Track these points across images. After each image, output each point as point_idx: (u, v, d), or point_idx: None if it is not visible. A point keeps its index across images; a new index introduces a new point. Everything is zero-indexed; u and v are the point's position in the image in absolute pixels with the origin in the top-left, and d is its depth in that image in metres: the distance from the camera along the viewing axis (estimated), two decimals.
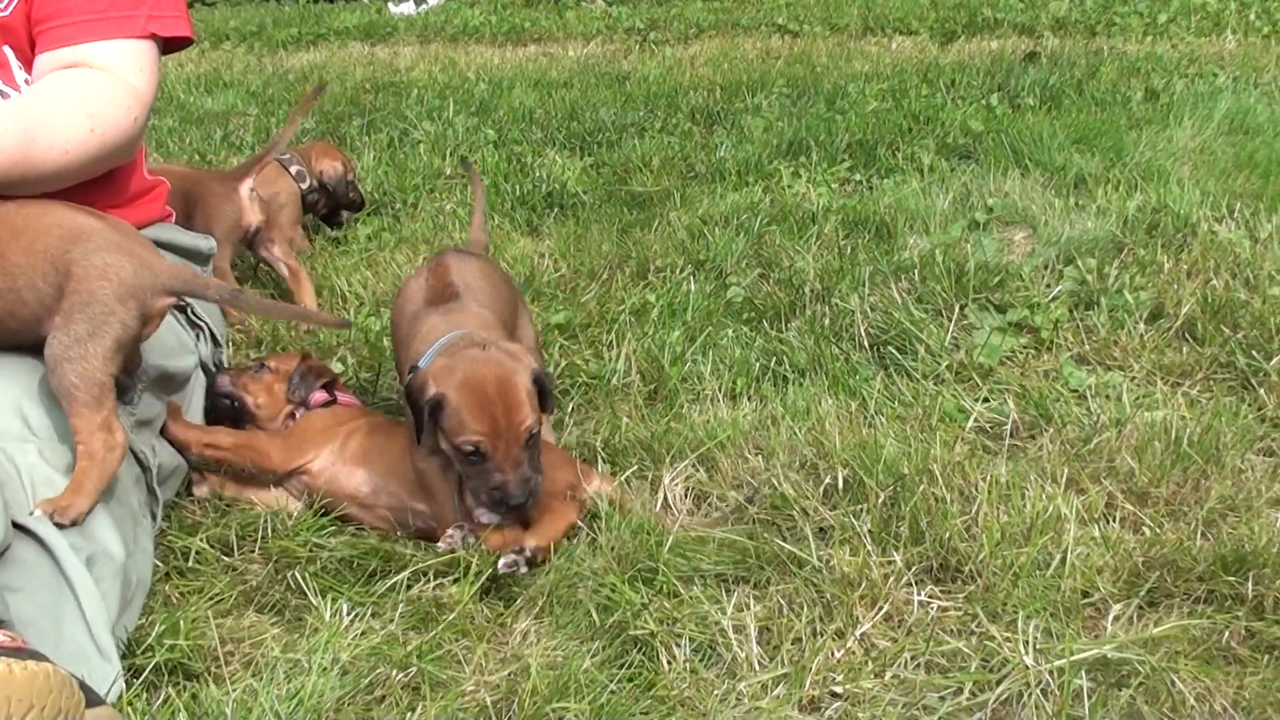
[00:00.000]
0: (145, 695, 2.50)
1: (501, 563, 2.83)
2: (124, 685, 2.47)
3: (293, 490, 3.28)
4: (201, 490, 3.28)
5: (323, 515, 3.18)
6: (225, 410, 3.53)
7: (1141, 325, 3.95)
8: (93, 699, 2.10)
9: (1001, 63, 8.58)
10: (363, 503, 3.20)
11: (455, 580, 2.88)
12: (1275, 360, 3.62)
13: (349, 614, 2.76)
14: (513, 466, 2.85)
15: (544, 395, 2.97)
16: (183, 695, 2.49)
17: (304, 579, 2.90)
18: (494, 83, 9.08)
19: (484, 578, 2.83)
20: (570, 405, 3.73)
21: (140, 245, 2.88)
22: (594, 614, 2.72)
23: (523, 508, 2.92)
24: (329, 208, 5.64)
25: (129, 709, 2.41)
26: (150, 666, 2.57)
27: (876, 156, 6.32)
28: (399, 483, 3.18)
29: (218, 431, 3.29)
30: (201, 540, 3.08)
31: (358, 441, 3.28)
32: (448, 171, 6.65)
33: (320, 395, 3.50)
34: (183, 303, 3.37)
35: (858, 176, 6.12)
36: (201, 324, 3.46)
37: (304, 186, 5.45)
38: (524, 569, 2.85)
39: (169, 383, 3.21)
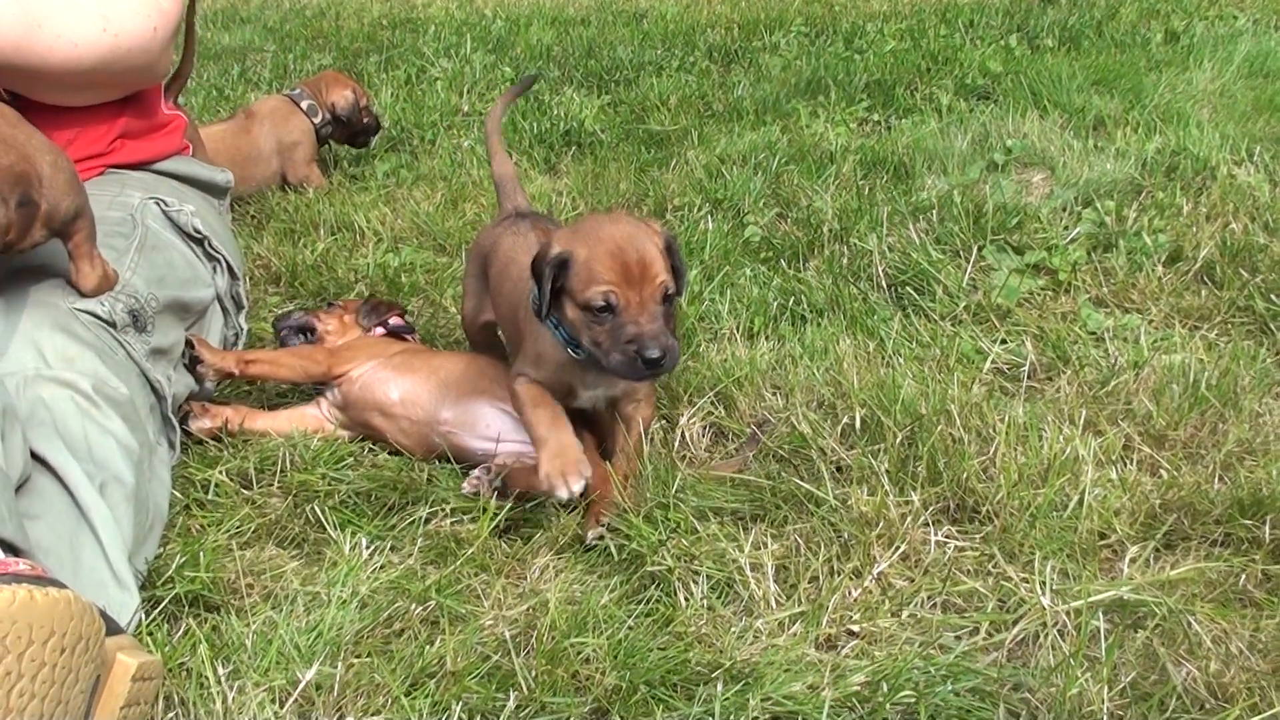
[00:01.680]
0: (166, 626, 2.52)
1: (590, 535, 2.82)
2: (143, 615, 2.49)
3: (327, 403, 3.34)
4: (203, 423, 3.27)
5: (340, 444, 3.21)
6: (295, 342, 3.62)
7: (1160, 268, 3.94)
8: (112, 627, 2.11)
9: (1021, 3, 8.54)
10: (387, 412, 3.23)
11: (474, 518, 2.89)
12: None
13: (368, 548, 2.78)
14: (648, 318, 2.67)
15: (676, 271, 2.79)
16: (203, 627, 2.51)
17: (323, 512, 2.92)
18: (511, 20, 9.06)
19: (503, 515, 2.84)
20: None
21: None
22: (612, 549, 2.74)
23: (660, 367, 2.69)
24: (346, 137, 5.65)
25: (149, 639, 2.42)
26: (170, 598, 2.58)
27: (895, 97, 6.30)
28: (430, 393, 3.21)
29: (255, 350, 3.34)
30: (220, 473, 3.10)
31: (401, 358, 3.33)
32: (465, 109, 6.64)
33: (394, 321, 3.60)
34: (199, 235, 3.37)
35: (876, 116, 6.10)
36: (219, 256, 3.46)
37: (317, 120, 5.46)
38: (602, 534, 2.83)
39: (185, 312, 3.21)
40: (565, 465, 2.77)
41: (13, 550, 2.14)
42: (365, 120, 5.63)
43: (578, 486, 2.75)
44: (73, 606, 1.90)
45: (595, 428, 3.14)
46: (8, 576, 1.87)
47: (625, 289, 2.66)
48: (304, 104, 5.48)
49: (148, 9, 3.21)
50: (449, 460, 3.13)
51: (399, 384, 3.24)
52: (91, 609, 1.97)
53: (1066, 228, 4.26)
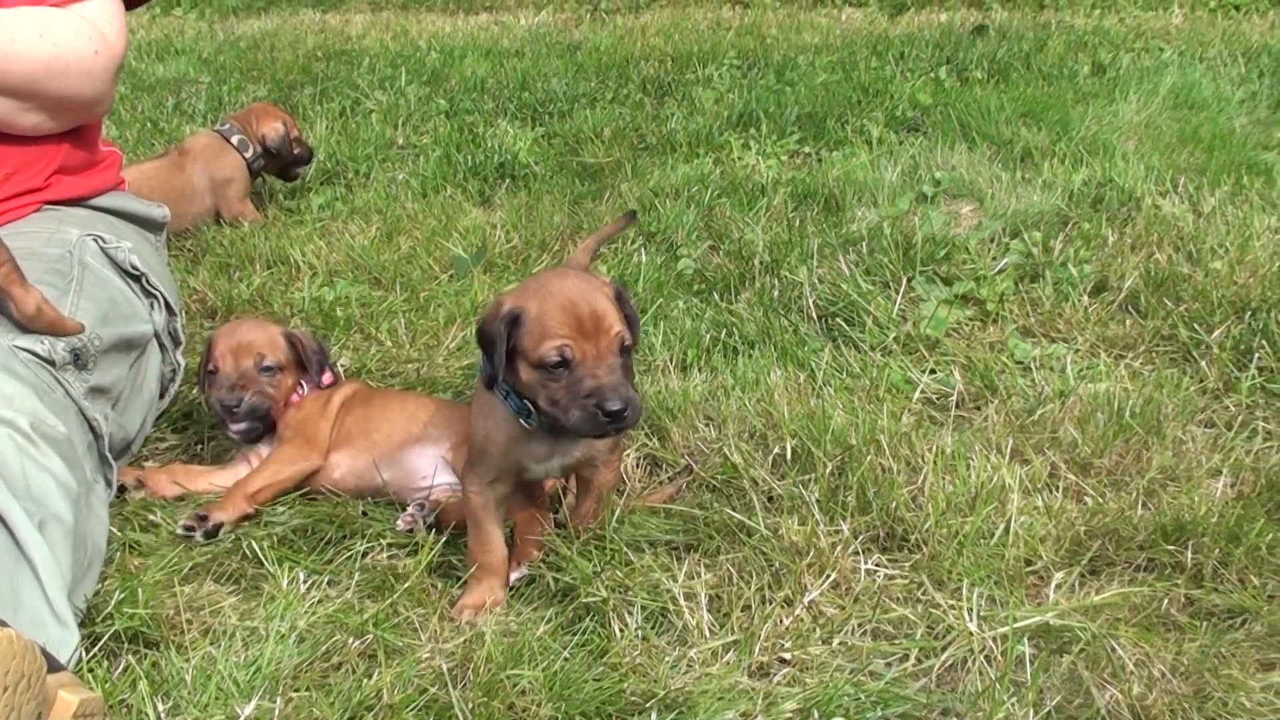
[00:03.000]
0: (106, 663, 2.52)
1: (513, 575, 2.84)
2: (83, 652, 2.49)
3: (261, 457, 3.37)
4: (140, 494, 3.26)
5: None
6: (252, 428, 3.43)
7: (1086, 298, 4.01)
8: (53, 665, 2.11)
9: (950, 35, 8.64)
10: (335, 484, 3.27)
11: (411, 551, 2.91)
12: (1216, 333, 3.68)
13: (305, 582, 2.79)
14: (607, 370, 2.55)
15: (629, 320, 2.67)
16: (143, 663, 2.51)
17: (260, 548, 2.92)
18: (445, 52, 9.08)
19: (437, 549, 2.86)
20: None
21: None
22: (549, 581, 2.76)
23: (623, 420, 2.54)
24: (277, 169, 5.65)
25: (89, 676, 2.42)
26: (110, 634, 2.58)
27: (826, 129, 6.36)
28: (368, 463, 3.24)
29: (248, 480, 3.23)
30: (156, 515, 3.11)
31: (340, 426, 3.37)
32: (399, 141, 6.65)
33: (328, 376, 3.55)
34: (136, 271, 3.38)
35: (807, 149, 6.17)
36: (156, 293, 3.46)
37: (248, 155, 5.46)
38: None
39: (125, 348, 3.21)
40: (481, 605, 2.76)
41: None
42: (296, 151, 5.63)
43: (482, 620, 2.73)
44: (14, 645, 1.90)
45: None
46: None
47: (581, 342, 2.55)
48: (234, 139, 5.47)
49: (90, 34, 3.24)
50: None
51: (339, 461, 3.27)
52: (32, 647, 1.97)
53: (994, 258, 4.31)
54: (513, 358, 2.62)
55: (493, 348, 2.62)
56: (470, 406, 2.99)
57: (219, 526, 3.05)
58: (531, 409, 2.68)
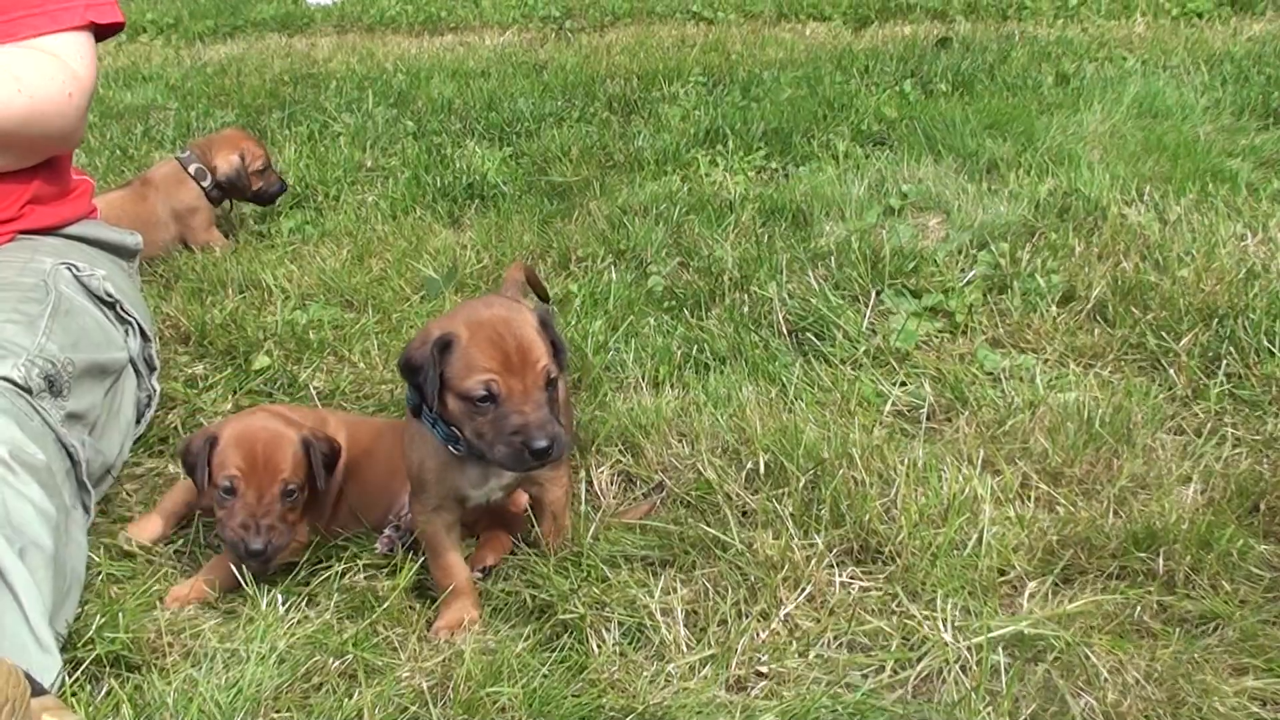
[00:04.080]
0: (89, 687, 2.53)
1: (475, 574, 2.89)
2: (65, 677, 2.49)
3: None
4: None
5: None
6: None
7: (1054, 308, 4.03)
8: (36, 689, 2.12)
9: (914, 48, 8.67)
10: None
11: (389, 572, 2.92)
12: (1184, 340, 3.71)
13: (284, 604, 2.79)
14: (533, 406, 2.54)
15: (556, 346, 2.66)
16: (125, 686, 2.52)
17: (239, 570, 2.92)
18: (412, 73, 9.07)
19: (415, 569, 2.87)
20: None
21: None
22: (527, 598, 2.77)
23: (547, 456, 2.54)
24: (250, 196, 5.58)
25: (72, 700, 2.43)
26: (91, 659, 2.60)
27: (792, 144, 6.38)
28: (351, 516, 3.19)
29: None
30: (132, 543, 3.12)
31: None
32: (368, 164, 6.66)
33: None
34: (111, 298, 3.39)
35: (774, 164, 6.18)
36: (130, 319, 3.47)
37: (206, 184, 5.41)
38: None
39: (102, 375, 3.22)
40: (458, 624, 2.76)
41: None
42: (258, 186, 5.55)
43: (460, 639, 2.72)
44: None
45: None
46: None
47: (507, 377, 2.54)
48: (192, 169, 5.42)
49: (62, 75, 3.26)
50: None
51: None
52: (17, 671, 1.98)
53: (962, 270, 4.34)
54: (441, 387, 2.61)
55: (422, 375, 2.61)
56: None
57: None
58: (459, 436, 2.66)
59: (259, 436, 2.97)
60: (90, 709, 2.43)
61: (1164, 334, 3.77)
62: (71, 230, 3.59)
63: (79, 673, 2.55)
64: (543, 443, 2.50)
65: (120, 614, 2.72)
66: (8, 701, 1.93)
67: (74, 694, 2.47)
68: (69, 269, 3.33)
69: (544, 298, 3.85)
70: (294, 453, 2.98)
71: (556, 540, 2.95)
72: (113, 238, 3.75)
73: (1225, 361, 3.60)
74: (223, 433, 2.99)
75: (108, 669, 2.61)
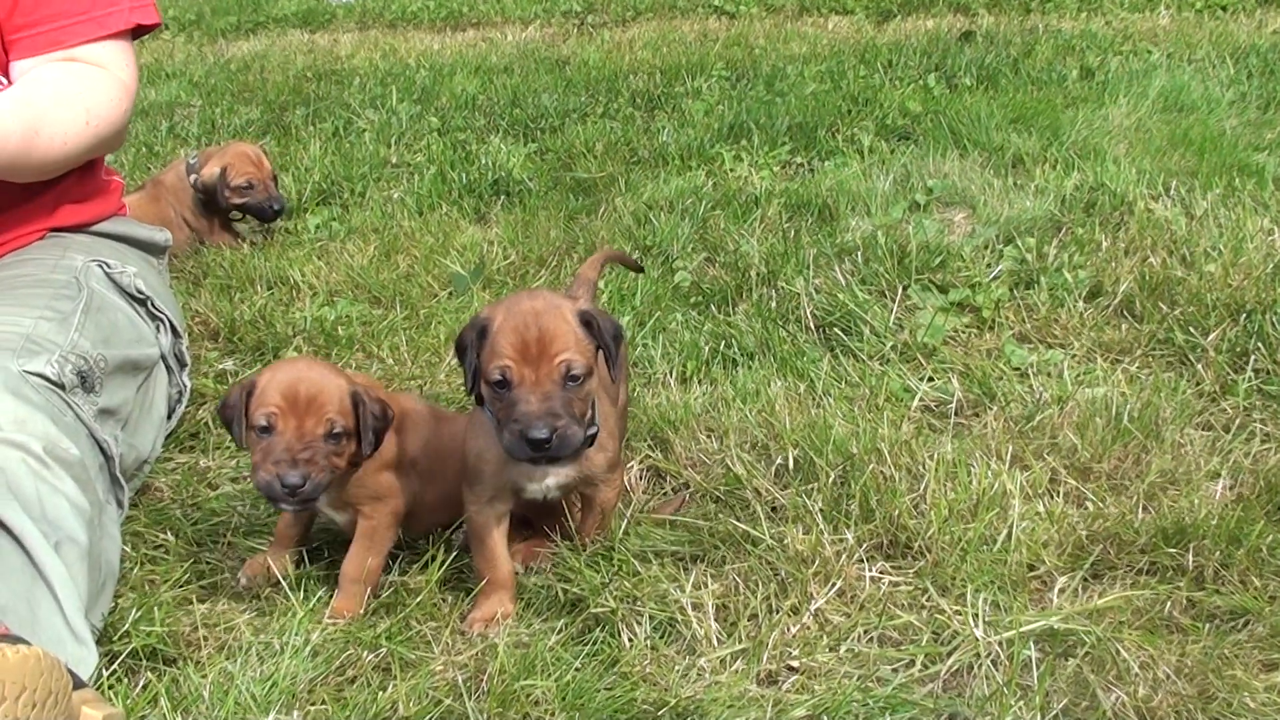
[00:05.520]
0: (125, 680, 2.55)
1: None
2: (102, 670, 2.52)
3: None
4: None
5: None
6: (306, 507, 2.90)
7: (1081, 303, 4.03)
8: (75, 682, 2.14)
9: (938, 42, 8.66)
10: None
11: (422, 566, 2.94)
12: (1212, 336, 3.71)
13: (318, 597, 2.81)
14: (540, 398, 2.54)
15: (603, 342, 2.64)
16: (162, 679, 2.54)
17: (273, 564, 2.94)
18: (435, 69, 9.09)
19: (449, 563, 2.88)
20: None
21: None
22: (559, 592, 2.79)
23: (545, 449, 2.53)
24: (217, 210, 5.53)
25: (110, 693, 2.45)
26: (128, 652, 2.62)
27: (817, 139, 6.38)
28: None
29: (352, 569, 2.88)
30: (169, 534, 3.13)
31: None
32: (393, 160, 6.68)
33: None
34: (141, 295, 3.41)
35: (799, 159, 6.19)
36: (161, 316, 3.49)
37: (191, 180, 5.41)
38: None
39: (133, 370, 3.24)
40: (491, 617, 2.77)
41: None
42: (240, 200, 5.46)
43: (494, 632, 2.73)
44: (42, 662, 1.94)
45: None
46: None
47: (521, 365, 2.54)
48: (192, 176, 5.43)
49: (117, 92, 3.34)
50: None
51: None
52: (59, 664, 2.01)
53: (989, 265, 4.34)
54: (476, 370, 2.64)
55: (465, 357, 2.66)
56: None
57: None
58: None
59: (303, 376, 2.75)
60: (128, 702, 2.45)
61: (1191, 329, 3.77)
62: (102, 227, 3.62)
63: (116, 666, 2.57)
64: (540, 433, 2.50)
65: (156, 608, 2.74)
66: (50, 694, 1.96)
67: (111, 687, 2.49)
68: (100, 266, 3.36)
69: (637, 269, 4.14)
70: (340, 398, 2.75)
71: (593, 536, 2.96)
72: (142, 234, 3.78)
73: (1253, 357, 3.60)
74: (261, 378, 2.78)
75: (144, 662, 2.63)
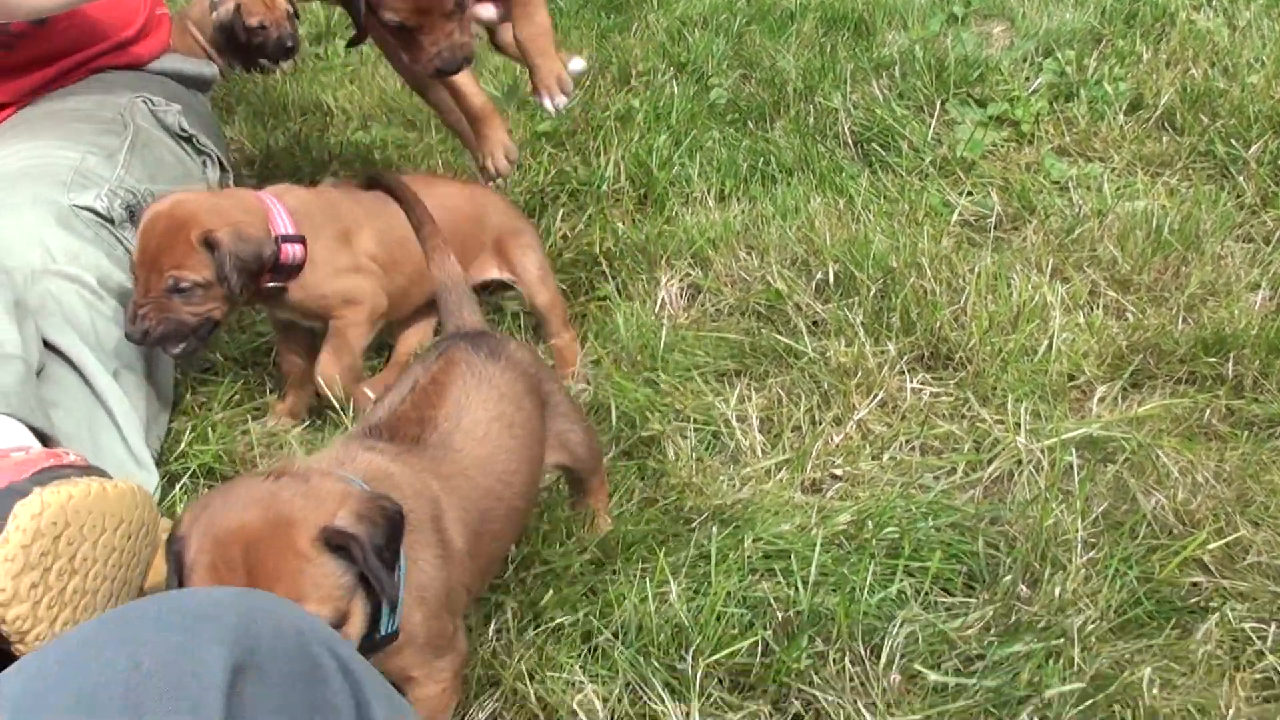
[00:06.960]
0: (184, 499, 2.61)
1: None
2: (163, 490, 2.59)
3: None
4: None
5: None
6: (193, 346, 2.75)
7: (1121, 116, 4.00)
8: None
9: None
10: None
11: None
12: (1253, 148, 3.68)
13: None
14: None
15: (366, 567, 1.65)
16: None
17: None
18: None
19: None
20: (561, 212, 3.76)
21: None
22: (614, 413, 2.82)
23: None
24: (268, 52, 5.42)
25: (172, 513, 2.51)
26: (187, 473, 2.69)
27: None
28: None
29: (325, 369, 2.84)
30: (217, 354, 3.19)
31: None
32: None
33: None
34: (186, 133, 3.41)
35: None
36: (207, 151, 3.50)
37: (213, 16, 5.27)
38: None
39: None
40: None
41: (41, 437, 2.21)
42: (258, 40, 5.13)
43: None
44: (136, 496, 2.01)
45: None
46: (71, 470, 1.97)
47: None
48: (214, 14, 5.28)
49: None
50: None
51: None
52: (149, 498, 2.08)
53: (1028, 79, 4.30)
54: None
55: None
56: None
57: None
58: None
59: (154, 226, 2.60)
60: None
61: (1233, 141, 3.75)
62: (151, 65, 3.62)
63: (176, 489, 2.64)
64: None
65: (210, 429, 2.80)
66: (143, 525, 2.03)
67: (171, 507, 2.55)
68: (145, 103, 3.36)
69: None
70: (187, 251, 2.57)
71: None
72: (190, 70, 3.77)
73: None
74: (144, 212, 2.67)
75: (202, 480, 2.69)
